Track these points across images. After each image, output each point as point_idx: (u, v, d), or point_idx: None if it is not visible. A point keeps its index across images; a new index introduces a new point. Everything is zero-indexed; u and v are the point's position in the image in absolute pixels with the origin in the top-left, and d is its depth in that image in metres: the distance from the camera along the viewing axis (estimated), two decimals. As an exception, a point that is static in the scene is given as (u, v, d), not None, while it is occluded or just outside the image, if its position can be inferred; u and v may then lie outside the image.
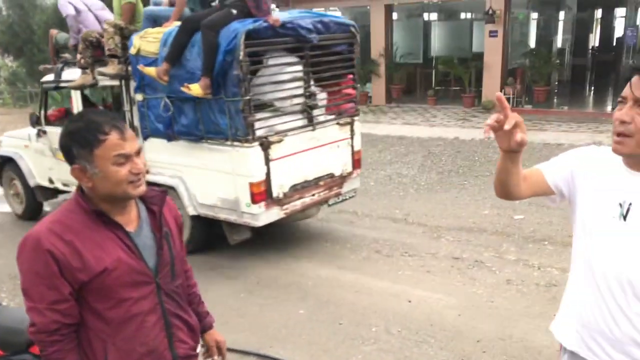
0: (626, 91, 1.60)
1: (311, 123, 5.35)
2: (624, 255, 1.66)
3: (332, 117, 5.64)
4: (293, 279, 5.12)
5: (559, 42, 17.92)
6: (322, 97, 5.51)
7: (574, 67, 17.56)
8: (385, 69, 15.28)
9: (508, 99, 13.25)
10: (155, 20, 5.49)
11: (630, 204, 1.66)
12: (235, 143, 4.87)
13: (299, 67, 5.15)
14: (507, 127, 1.56)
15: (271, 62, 5.02)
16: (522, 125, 1.60)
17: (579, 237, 1.82)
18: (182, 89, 4.82)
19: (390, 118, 13.60)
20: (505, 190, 1.85)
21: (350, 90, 5.87)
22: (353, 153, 5.88)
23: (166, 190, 2.03)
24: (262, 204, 4.95)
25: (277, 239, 6.08)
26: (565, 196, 1.87)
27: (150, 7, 5.77)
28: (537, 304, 4.46)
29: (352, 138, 5.85)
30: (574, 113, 12.64)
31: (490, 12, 13.17)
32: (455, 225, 6.31)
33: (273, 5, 5.01)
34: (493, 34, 13.44)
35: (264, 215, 5.02)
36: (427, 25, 17.89)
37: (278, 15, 5.00)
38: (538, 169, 1.89)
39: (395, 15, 17.01)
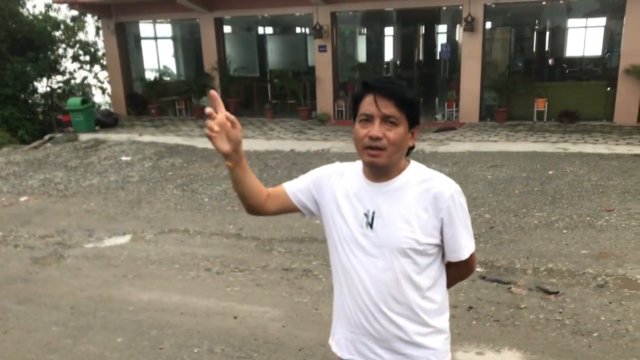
0: (371, 109, 1.75)
1: None
2: (376, 261, 1.83)
3: None
4: (112, 305, 4.83)
5: (386, 56, 19.09)
6: None
7: (401, 80, 18.74)
8: (220, 82, 15.20)
9: (341, 112, 14.17)
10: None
11: (373, 212, 1.83)
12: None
13: None
14: (220, 116, 1.75)
15: None
16: (237, 123, 1.76)
17: (334, 247, 1.94)
18: None
19: (228, 133, 13.50)
20: (249, 204, 1.95)
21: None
22: None
23: None
24: None
25: (95, 262, 5.72)
26: (314, 212, 2.00)
27: None
28: (358, 306, 4.61)
29: None
30: (400, 123, 13.48)
31: (318, 27, 13.67)
32: (287, 237, 6.39)
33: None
34: (322, 48, 13.96)
35: None
36: (261, 38, 18.12)
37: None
38: (282, 186, 2.01)
39: (228, 29, 17.01)
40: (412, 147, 1.85)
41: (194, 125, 14.54)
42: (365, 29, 18.35)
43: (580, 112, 12.22)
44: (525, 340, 4.01)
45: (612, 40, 16.09)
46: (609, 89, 12.42)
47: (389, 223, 1.80)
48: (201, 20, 15.25)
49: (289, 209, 2.00)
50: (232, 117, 1.77)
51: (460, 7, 12.63)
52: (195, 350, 4.05)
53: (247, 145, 11.68)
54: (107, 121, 14.70)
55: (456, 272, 1.99)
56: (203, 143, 12.02)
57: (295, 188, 1.99)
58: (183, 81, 17.11)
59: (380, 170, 1.82)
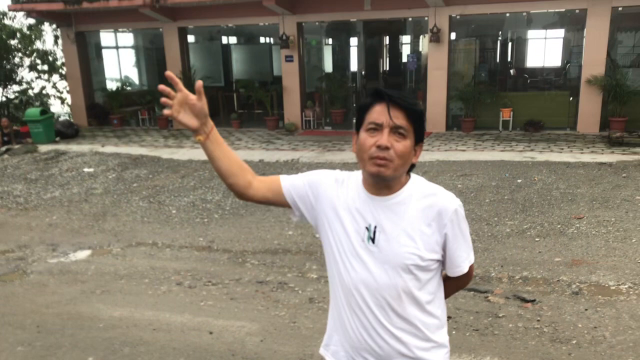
0: (381, 118, 1.71)
1: None
2: (377, 276, 1.79)
3: None
4: (82, 323, 4.62)
5: (352, 66, 19.16)
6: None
7: (368, 90, 18.82)
8: (184, 92, 14.94)
9: (309, 122, 14.12)
10: None
11: (375, 227, 1.79)
12: None
13: None
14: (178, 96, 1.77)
15: None
16: (202, 95, 1.79)
17: (333, 260, 1.89)
18: None
19: (193, 142, 13.29)
20: (230, 184, 1.89)
21: None
22: None
23: None
24: None
25: (60, 278, 5.49)
26: (305, 215, 1.94)
27: None
28: (337, 319, 4.53)
29: None
30: (369, 133, 13.51)
31: (284, 37, 13.63)
32: (260, 248, 6.27)
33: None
34: (289, 58, 13.92)
35: None
36: (226, 48, 17.97)
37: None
38: (277, 176, 1.95)
39: (192, 38, 16.81)
40: (414, 165, 1.81)
41: (158, 136, 14.27)
42: (331, 40, 18.40)
43: (544, 122, 12.48)
44: (506, 349, 4.00)
45: (571, 51, 16.55)
46: (571, 98, 12.73)
47: (392, 239, 1.76)
48: (164, 30, 15.02)
49: (279, 201, 1.93)
50: (199, 85, 1.80)
51: (426, 19, 12.78)
52: (171, 369, 3.90)
53: (215, 155, 11.51)
54: (67, 132, 14.30)
55: (456, 283, 1.97)
56: (168, 154, 11.81)
57: (290, 183, 1.92)
58: (146, 91, 16.81)
59: (384, 182, 1.77)
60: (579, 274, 5.19)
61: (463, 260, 1.85)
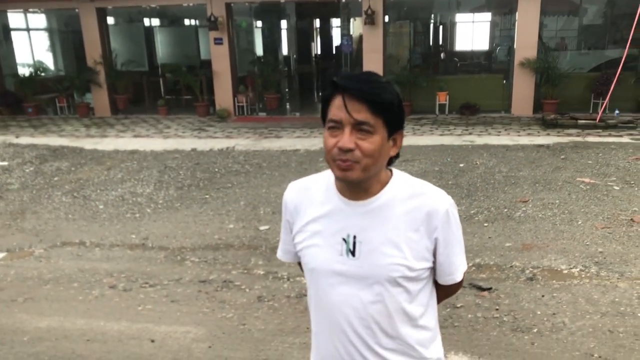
0: (340, 114, 1.42)
1: None
2: (362, 293, 1.55)
3: None
4: (3, 337, 4.09)
5: (284, 50, 18.75)
6: None
7: (300, 75, 18.53)
8: (106, 77, 14.12)
9: (242, 107, 13.64)
10: None
11: (355, 237, 1.54)
12: None
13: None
14: None
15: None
16: None
17: (311, 283, 1.66)
18: None
19: (118, 131, 12.56)
20: None
21: None
22: None
23: None
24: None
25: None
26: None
27: None
28: (289, 318, 4.26)
29: None
30: (305, 119, 13.24)
31: (213, 18, 13.04)
32: (200, 244, 5.85)
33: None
34: (218, 41, 13.36)
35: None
36: (149, 31, 17.09)
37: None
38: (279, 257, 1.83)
39: (111, 20, 15.87)
40: (397, 156, 1.54)
41: (78, 125, 13.38)
42: (261, 22, 17.89)
43: (480, 105, 12.62)
44: (468, 342, 3.87)
45: (501, 34, 16.89)
46: (504, 81, 12.95)
47: (375, 249, 1.52)
48: (81, 10, 14.03)
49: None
50: None
51: (360, 1, 12.57)
52: (110, 386, 3.48)
53: (143, 144, 10.90)
54: (-25, 121, 13.15)
55: (446, 291, 1.73)
56: (91, 144, 11.06)
57: (283, 251, 1.80)
58: (63, 77, 15.68)
59: (356, 185, 1.50)
60: (530, 259, 5.14)
61: (456, 267, 1.61)
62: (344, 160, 1.43)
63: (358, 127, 1.41)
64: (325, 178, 1.60)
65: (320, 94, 18.28)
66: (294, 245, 1.68)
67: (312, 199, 1.61)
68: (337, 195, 1.56)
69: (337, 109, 1.43)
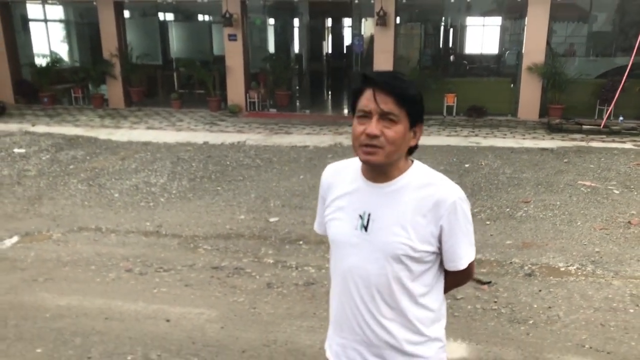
0: (370, 105, 1.65)
1: None
2: (369, 265, 1.75)
3: None
4: (26, 313, 4.32)
5: (296, 48, 18.95)
6: None
7: (311, 73, 18.72)
8: (121, 70, 14.36)
9: (253, 103, 13.85)
10: None
11: (369, 215, 1.74)
12: None
13: None
14: None
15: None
16: None
17: (333, 251, 1.89)
18: None
19: (132, 122, 12.80)
20: None
21: None
22: None
23: None
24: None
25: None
26: None
27: None
28: (297, 304, 4.47)
29: None
30: (315, 116, 13.45)
31: (228, 15, 13.25)
32: (212, 233, 6.08)
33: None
34: (232, 37, 13.56)
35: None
36: (164, 25, 17.33)
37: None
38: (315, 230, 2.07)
39: (127, 13, 16.11)
40: (415, 147, 1.75)
41: (93, 115, 13.63)
42: (275, 20, 18.09)
43: (487, 108, 12.77)
44: (467, 330, 4.06)
45: (510, 39, 17.01)
46: (512, 85, 13.08)
47: (384, 227, 1.72)
48: (99, 3, 14.27)
49: None
50: None
51: (372, 1, 12.74)
52: (129, 358, 3.72)
53: (156, 136, 11.13)
54: (-8, 110, 13.42)
55: (453, 279, 1.90)
56: (105, 134, 11.31)
57: (318, 223, 2.02)
58: (79, 68, 15.95)
59: (378, 169, 1.72)
60: (530, 256, 5.33)
61: (460, 256, 1.76)
62: (370, 146, 1.64)
63: (384, 116, 1.63)
64: (356, 163, 1.82)
65: (330, 92, 18.48)
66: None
67: (342, 179, 1.83)
68: (361, 178, 1.77)
69: (367, 100, 1.65)
